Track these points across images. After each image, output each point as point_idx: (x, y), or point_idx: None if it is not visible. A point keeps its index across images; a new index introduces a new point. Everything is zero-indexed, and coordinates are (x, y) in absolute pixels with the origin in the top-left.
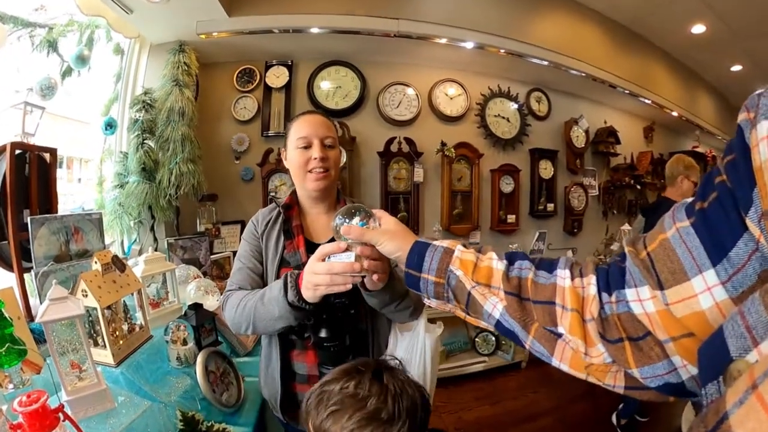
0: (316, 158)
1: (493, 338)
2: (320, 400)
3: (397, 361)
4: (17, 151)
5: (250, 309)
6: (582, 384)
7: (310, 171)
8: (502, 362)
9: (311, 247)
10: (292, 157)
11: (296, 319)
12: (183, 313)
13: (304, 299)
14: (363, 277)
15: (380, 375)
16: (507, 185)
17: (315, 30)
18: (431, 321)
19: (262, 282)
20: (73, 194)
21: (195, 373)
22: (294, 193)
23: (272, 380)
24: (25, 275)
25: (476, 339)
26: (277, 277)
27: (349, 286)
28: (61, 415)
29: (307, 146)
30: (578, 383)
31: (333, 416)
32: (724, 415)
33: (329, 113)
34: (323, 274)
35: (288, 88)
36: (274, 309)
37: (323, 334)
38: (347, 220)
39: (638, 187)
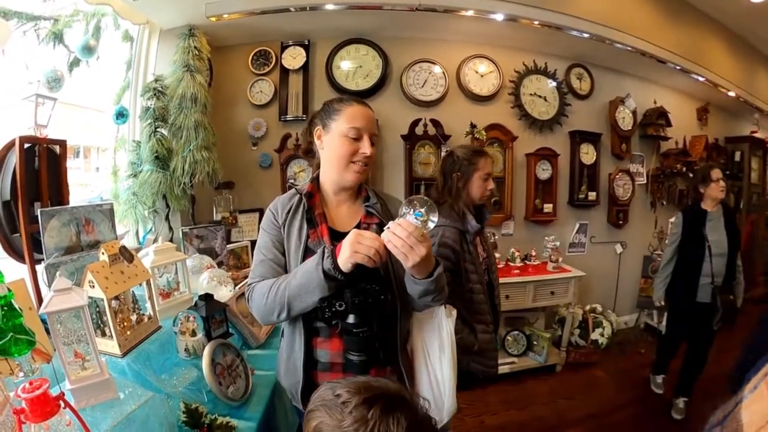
0: (365, 153)
1: (524, 338)
2: (319, 395)
3: (418, 402)
4: (26, 145)
5: (283, 290)
6: (627, 392)
7: (353, 162)
8: (533, 364)
9: (335, 235)
10: (336, 144)
11: (330, 289)
12: (193, 303)
13: (339, 269)
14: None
15: (370, 405)
16: (544, 171)
17: (331, 6)
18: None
19: (285, 273)
20: (90, 184)
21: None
22: (315, 180)
23: (294, 369)
24: (37, 267)
25: (506, 338)
26: None
27: (380, 256)
28: (61, 402)
29: (357, 138)
30: (623, 391)
31: (313, 413)
32: (739, 400)
33: (349, 94)
34: (367, 246)
35: (306, 69)
36: (308, 280)
37: (351, 320)
38: (411, 210)
39: (690, 175)
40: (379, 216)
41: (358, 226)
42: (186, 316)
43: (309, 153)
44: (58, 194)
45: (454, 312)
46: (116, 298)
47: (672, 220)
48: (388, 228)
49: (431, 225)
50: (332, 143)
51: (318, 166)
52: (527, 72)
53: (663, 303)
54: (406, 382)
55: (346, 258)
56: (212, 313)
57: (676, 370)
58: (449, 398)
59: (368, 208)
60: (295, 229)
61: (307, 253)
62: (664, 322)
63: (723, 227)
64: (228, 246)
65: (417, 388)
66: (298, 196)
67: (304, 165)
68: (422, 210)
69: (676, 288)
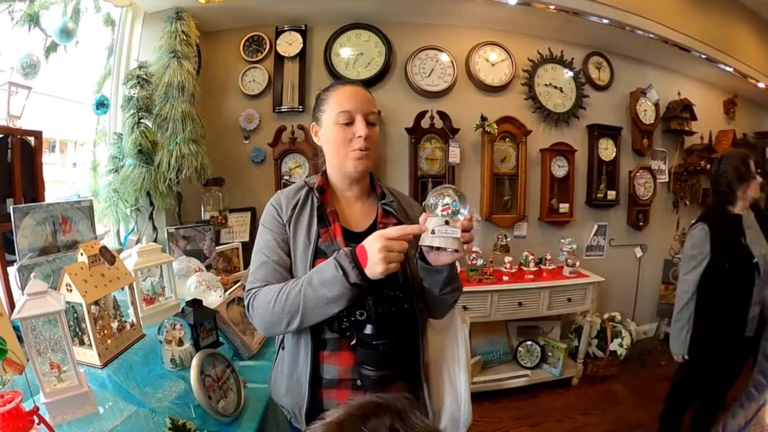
0: (360, 136)
1: (538, 349)
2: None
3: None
4: None
5: (295, 298)
6: (647, 408)
7: (351, 150)
8: (547, 377)
9: (349, 236)
10: (330, 133)
11: (354, 298)
12: (180, 310)
13: (365, 277)
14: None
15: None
16: (560, 168)
17: None
18: None
19: (290, 277)
20: (67, 180)
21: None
22: (324, 174)
23: (298, 386)
24: (9, 269)
25: (519, 349)
26: (312, 267)
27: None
28: (35, 417)
29: (350, 122)
30: (643, 406)
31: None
32: (762, 404)
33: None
34: (398, 252)
35: (302, 56)
36: (330, 290)
37: (369, 330)
38: (441, 200)
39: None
40: (396, 215)
41: (374, 226)
42: (172, 323)
43: (318, 156)
44: (33, 190)
45: (468, 319)
46: (96, 303)
47: (692, 232)
48: (454, 235)
49: (460, 218)
50: (327, 135)
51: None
52: (542, 61)
53: (686, 358)
54: (426, 396)
55: (380, 272)
56: (201, 321)
57: None
58: (466, 410)
59: (385, 206)
60: (303, 228)
61: (317, 254)
62: None
63: (762, 235)
64: (217, 248)
65: (434, 401)
66: (306, 189)
67: (300, 160)
68: (455, 200)
69: (720, 328)
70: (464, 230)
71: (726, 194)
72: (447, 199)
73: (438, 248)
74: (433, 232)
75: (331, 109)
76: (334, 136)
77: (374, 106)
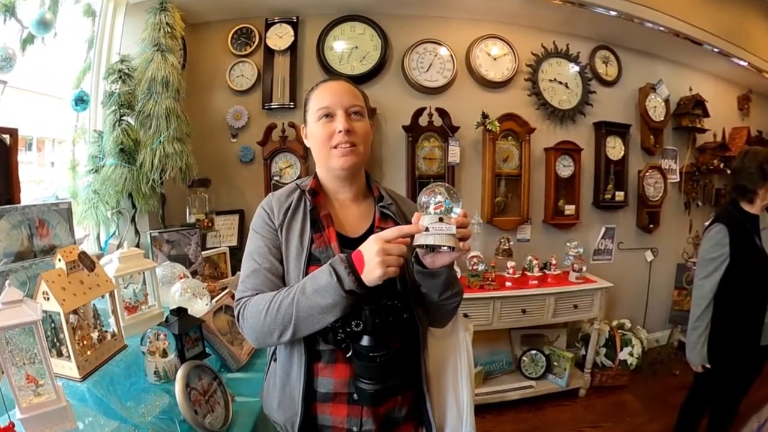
0: (340, 131)
1: (543, 358)
2: None
3: None
4: None
5: (288, 308)
6: (660, 419)
7: (334, 147)
8: (553, 388)
9: (345, 241)
10: (312, 131)
11: (349, 307)
12: (164, 319)
13: (361, 283)
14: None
15: None
16: (565, 168)
17: None
18: None
19: (283, 285)
20: (45, 181)
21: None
22: (316, 176)
23: (291, 400)
24: None
25: (523, 358)
26: (305, 275)
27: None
28: None
29: (331, 119)
30: (655, 418)
31: None
32: None
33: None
34: (397, 255)
35: (293, 50)
36: (324, 299)
37: (366, 342)
38: (433, 198)
39: (729, 172)
40: (394, 218)
41: (371, 231)
42: (155, 333)
43: (309, 158)
44: (8, 191)
45: (471, 326)
46: (75, 312)
47: (708, 234)
48: (449, 231)
49: (454, 216)
50: (310, 133)
51: None
52: (546, 55)
53: (707, 367)
54: (429, 410)
55: (377, 277)
56: (186, 331)
57: None
58: (469, 424)
59: (383, 209)
60: (295, 233)
61: (311, 261)
62: None
63: None
64: (203, 253)
65: (437, 415)
66: (299, 192)
67: (291, 159)
68: (448, 198)
69: (736, 335)
70: (460, 226)
71: (746, 191)
72: (439, 197)
73: (434, 249)
74: (427, 230)
75: (312, 108)
76: (316, 133)
77: (358, 98)
